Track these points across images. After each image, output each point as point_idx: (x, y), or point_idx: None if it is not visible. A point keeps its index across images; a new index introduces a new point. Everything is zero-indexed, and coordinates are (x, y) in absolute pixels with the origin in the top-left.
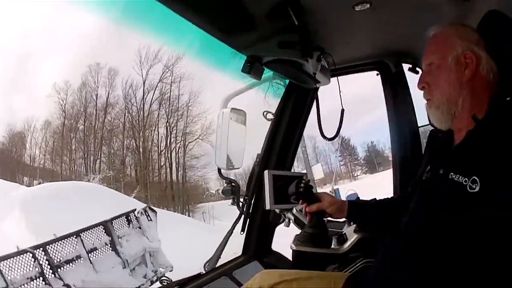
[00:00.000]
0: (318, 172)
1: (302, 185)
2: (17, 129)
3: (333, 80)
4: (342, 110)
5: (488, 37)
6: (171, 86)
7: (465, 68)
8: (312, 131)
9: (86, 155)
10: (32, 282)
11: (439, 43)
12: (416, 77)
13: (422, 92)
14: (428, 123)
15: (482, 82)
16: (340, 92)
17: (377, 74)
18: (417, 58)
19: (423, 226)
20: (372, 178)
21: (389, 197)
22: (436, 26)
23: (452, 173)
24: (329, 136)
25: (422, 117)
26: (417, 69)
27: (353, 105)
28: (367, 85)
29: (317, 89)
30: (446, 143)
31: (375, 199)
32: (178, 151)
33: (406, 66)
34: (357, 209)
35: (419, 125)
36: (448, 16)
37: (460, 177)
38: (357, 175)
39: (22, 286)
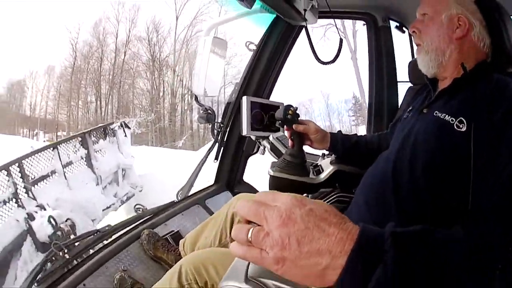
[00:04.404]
0: None
1: (290, 111)
2: (16, 78)
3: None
4: (341, 40)
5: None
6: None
7: (456, 28)
8: (327, 88)
9: (103, 99)
10: (4, 206)
11: (436, 0)
12: (403, 36)
13: (409, 49)
14: (407, 80)
15: (471, 45)
16: (336, 25)
17: (364, 25)
18: (404, 18)
19: (403, 159)
20: None
21: (367, 134)
22: None
23: (437, 112)
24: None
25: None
26: (404, 28)
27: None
28: None
29: (302, 27)
30: (429, 91)
31: (355, 134)
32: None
33: (393, 24)
34: (339, 141)
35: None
36: None
37: (446, 115)
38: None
39: None
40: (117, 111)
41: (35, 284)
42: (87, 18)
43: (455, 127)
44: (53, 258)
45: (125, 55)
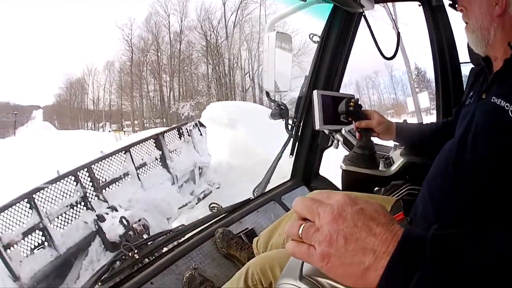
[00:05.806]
0: (423, 100)
1: (351, 103)
2: (75, 77)
3: None
4: (398, 33)
5: None
6: None
7: (496, 4)
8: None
9: (166, 86)
10: (71, 210)
11: None
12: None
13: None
14: (469, 60)
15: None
16: (392, 15)
17: (419, 5)
18: None
19: (464, 150)
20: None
21: (434, 122)
22: None
23: (494, 97)
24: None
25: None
26: (456, 6)
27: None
28: None
29: (361, 13)
30: (486, 74)
31: (421, 123)
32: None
33: (446, 3)
34: (404, 130)
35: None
36: None
37: (502, 101)
38: (430, 110)
39: (60, 216)
40: (179, 96)
41: (99, 283)
42: (136, 15)
43: (510, 113)
44: (123, 257)
45: (180, 44)
